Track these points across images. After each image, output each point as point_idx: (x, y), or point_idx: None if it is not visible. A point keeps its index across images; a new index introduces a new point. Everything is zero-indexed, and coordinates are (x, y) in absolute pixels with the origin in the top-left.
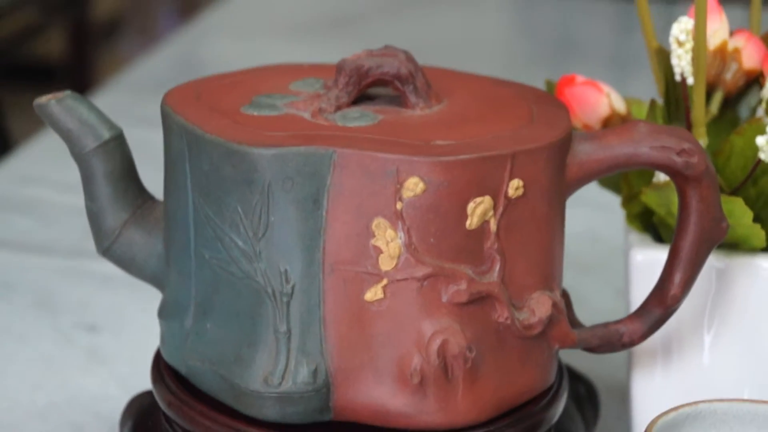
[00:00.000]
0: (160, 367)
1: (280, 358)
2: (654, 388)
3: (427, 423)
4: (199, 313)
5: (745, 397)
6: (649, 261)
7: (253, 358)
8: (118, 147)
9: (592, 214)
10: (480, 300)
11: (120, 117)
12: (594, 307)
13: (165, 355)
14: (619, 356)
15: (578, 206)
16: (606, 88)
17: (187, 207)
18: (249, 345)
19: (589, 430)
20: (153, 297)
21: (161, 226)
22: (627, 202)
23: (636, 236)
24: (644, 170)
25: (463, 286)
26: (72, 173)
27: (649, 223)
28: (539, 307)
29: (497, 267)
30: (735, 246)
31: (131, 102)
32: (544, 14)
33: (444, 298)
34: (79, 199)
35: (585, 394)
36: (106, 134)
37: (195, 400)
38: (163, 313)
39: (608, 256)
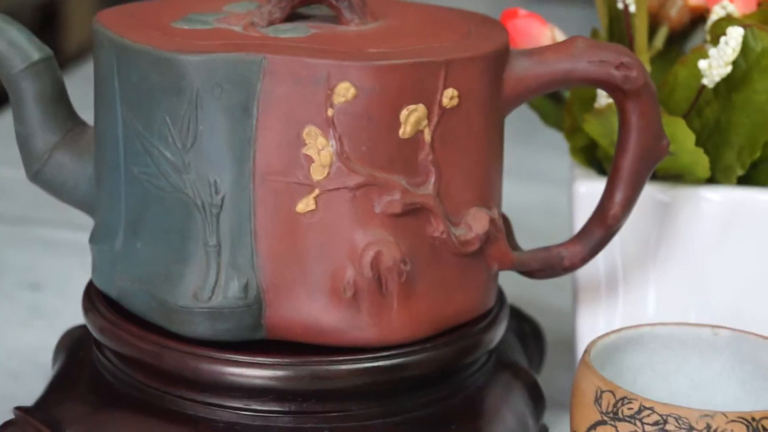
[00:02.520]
0: (92, 295)
1: (210, 272)
2: (599, 323)
3: (361, 339)
4: (129, 234)
5: None
6: (592, 193)
7: (182, 274)
8: (47, 69)
9: (549, 188)
10: (414, 212)
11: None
12: None
13: (96, 281)
14: (568, 307)
15: (535, 181)
16: (549, 23)
17: (117, 124)
18: (178, 261)
19: (534, 367)
20: None
21: (92, 149)
22: (570, 135)
23: (580, 169)
24: (586, 101)
25: (397, 196)
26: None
27: (593, 159)
28: (476, 223)
29: (432, 179)
30: (679, 178)
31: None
32: None
33: (377, 209)
34: (22, 173)
35: (530, 333)
36: (35, 55)
37: (126, 322)
38: (94, 237)
39: (563, 227)
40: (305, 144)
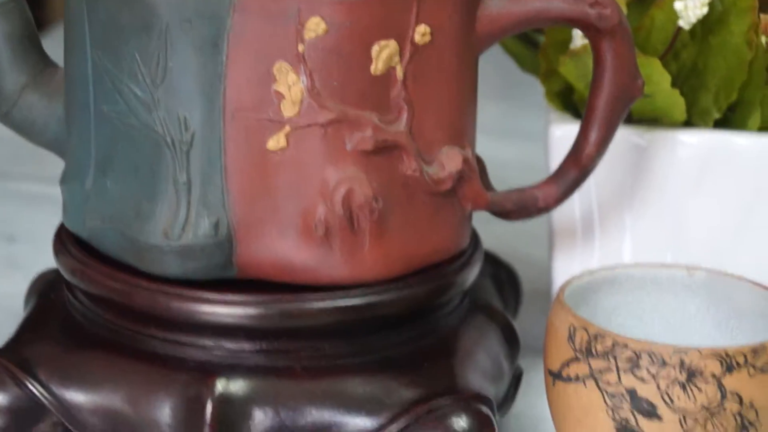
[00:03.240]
0: (62, 237)
1: (180, 210)
2: (574, 268)
3: (333, 277)
4: (99, 173)
5: None
6: (568, 136)
7: (152, 212)
8: (16, 8)
9: (527, 145)
10: (387, 150)
11: None
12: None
13: (66, 222)
14: (546, 258)
15: (513, 138)
16: None
17: (86, 64)
18: (149, 199)
19: (509, 312)
20: None
21: (62, 90)
22: (546, 79)
23: (555, 114)
24: (562, 44)
25: (369, 133)
26: None
27: (569, 103)
28: (449, 161)
29: (404, 116)
30: (656, 121)
31: None
32: None
33: (349, 146)
34: (1, 129)
35: (506, 278)
36: None
37: (97, 262)
38: (64, 178)
39: (538, 180)
40: (275, 80)
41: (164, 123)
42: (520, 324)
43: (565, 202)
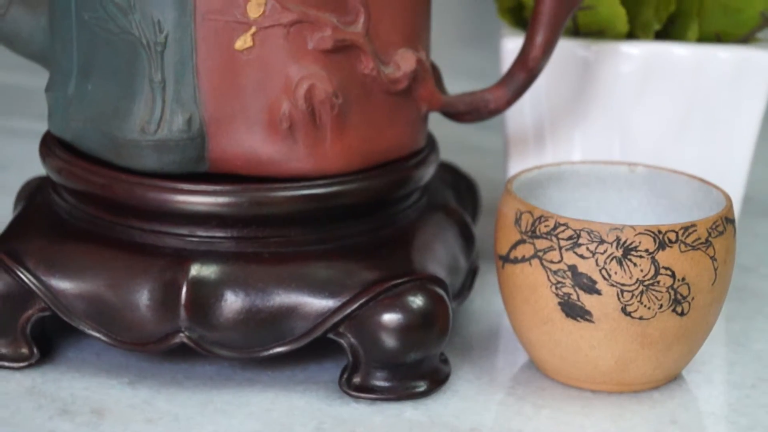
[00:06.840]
0: (48, 142)
1: (155, 107)
2: None
3: (298, 170)
4: (81, 78)
5: None
6: (519, 49)
7: (130, 109)
8: None
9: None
10: (345, 50)
11: None
12: (482, 152)
13: (51, 127)
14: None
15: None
16: None
17: None
18: (126, 98)
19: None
20: None
21: (46, 2)
22: None
23: (507, 28)
24: None
25: (328, 32)
26: None
27: (520, 20)
28: (404, 62)
29: (362, 19)
30: (601, 34)
31: None
32: None
33: (310, 45)
34: None
35: (465, 188)
36: None
37: (80, 160)
38: (49, 86)
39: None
40: None
41: (140, 26)
42: (480, 235)
43: (517, 111)
